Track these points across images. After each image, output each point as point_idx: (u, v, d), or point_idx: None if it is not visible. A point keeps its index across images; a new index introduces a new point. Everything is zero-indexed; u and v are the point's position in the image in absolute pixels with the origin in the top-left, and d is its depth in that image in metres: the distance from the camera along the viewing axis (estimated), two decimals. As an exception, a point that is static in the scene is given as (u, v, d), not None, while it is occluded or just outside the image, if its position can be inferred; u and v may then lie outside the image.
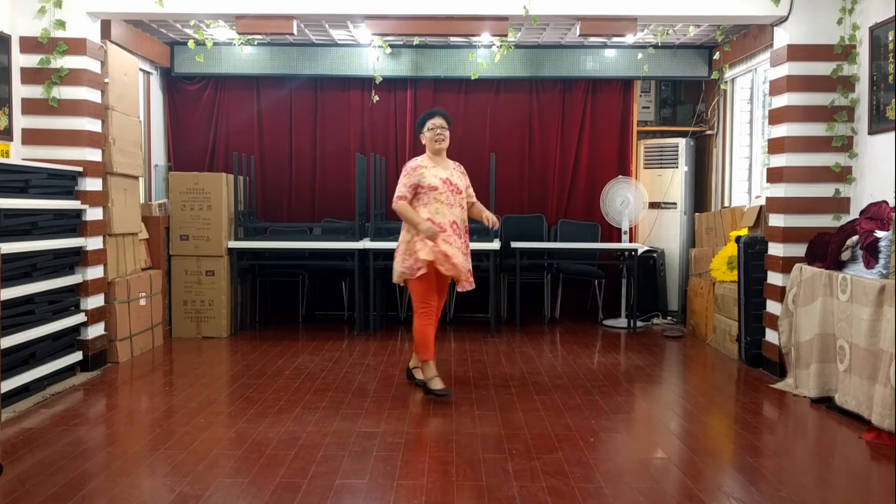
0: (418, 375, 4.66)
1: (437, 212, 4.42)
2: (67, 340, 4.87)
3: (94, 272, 5.14)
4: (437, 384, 4.45)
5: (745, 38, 5.96)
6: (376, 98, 7.16)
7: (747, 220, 5.71)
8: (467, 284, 4.52)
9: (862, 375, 3.92)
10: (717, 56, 6.49)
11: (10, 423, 3.91)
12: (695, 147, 7.30)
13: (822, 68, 4.95)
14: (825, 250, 4.56)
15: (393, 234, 6.45)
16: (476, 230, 6.64)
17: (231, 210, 6.40)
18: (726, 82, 6.72)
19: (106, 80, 5.26)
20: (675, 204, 7.22)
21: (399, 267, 4.54)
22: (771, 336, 5.14)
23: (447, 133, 4.55)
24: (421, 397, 4.48)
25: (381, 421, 3.98)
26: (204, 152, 7.24)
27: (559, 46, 6.91)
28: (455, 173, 4.58)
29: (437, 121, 4.53)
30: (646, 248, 7.13)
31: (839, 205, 4.99)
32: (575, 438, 3.71)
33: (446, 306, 6.95)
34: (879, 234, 4.06)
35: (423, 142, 4.60)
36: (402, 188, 4.47)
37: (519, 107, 7.32)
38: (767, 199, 5.34)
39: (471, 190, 4.72)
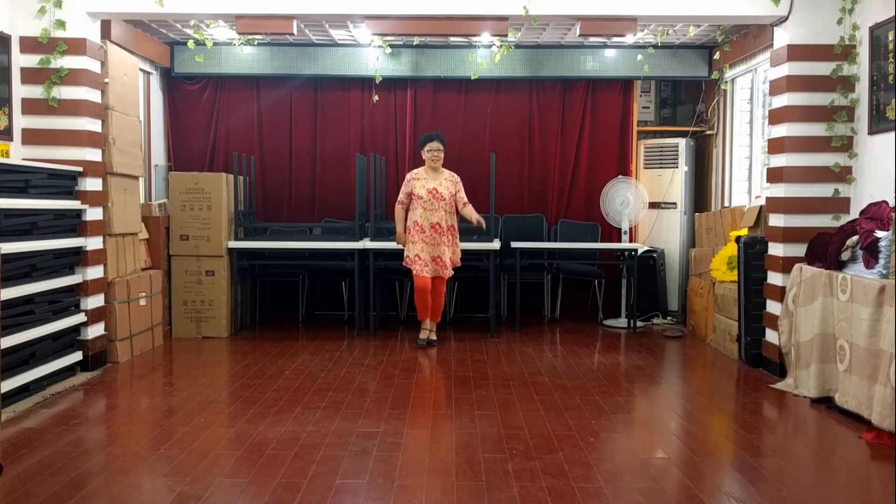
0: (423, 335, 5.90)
1: (422, 216, 5.71)
2: (67, 340, 4.87)
3: (94, 272, 5.14)
4: (422, 334, 5.87)
5: (745, 38, 5.97)
6: (376, 98, 7.16)
7: (747, 220, 5.71)
8: (436, 273, 5.79)
9: (862, 375, 3.92)
10: (717, 56, 6.49)
11: (10, 423, 3.91)
12: (695, 147, 7.30)
13: (822, 68, 4.95)
14: (825, 250, 4.56)
15: (393, 234, 6.46)
16: (476, 230, 6.65)
17: (231, 210, 6.40)
18: (726, 82, 6.72)
19: (106, 80, 5.26)
20: (675, 204, 7.22)
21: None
22: (771, 336, 5.14)
23: (442, 154, 5.81)
24: (421, 397, 4.49)
25: (381, 421, 3.99)
26: (204, 152, 7.24)
27: (559, 46, 6.92)
28: (445, 183, 5.78)
29: (435, 144, 5.77)
30: (646, 248, 7.13)
31: (839, 205, 4.99)
32: (575, 438, 3.71)
33: (446, 308, 6.96)
34: (879, 234, 4.06)
35: (423, 158, 5.80)
36: (400, 194, 5.85)
37: (519, 107, 7.32)
38: (767, 199, 5.34)
39: (461, 194, 5.86)
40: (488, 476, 3.21)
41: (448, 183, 5.79)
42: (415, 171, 5.87)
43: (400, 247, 5.90)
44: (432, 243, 5.73)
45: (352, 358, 5.49)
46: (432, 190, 5.72)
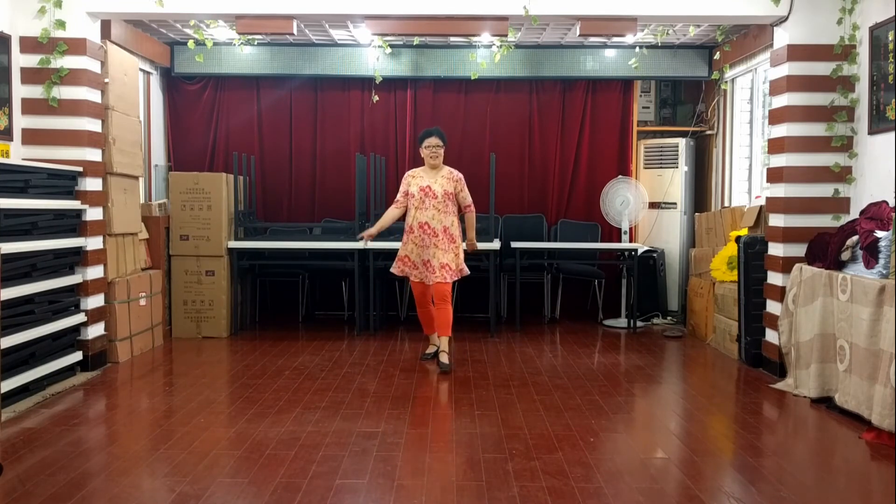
0: (443, 358, 5.23)
1: (412, 216, 5.29)
2: (67, 340, 4.87)
3: (94, 272, 5.14)
4: (429, 348, 5.48)
5: (745, 38, 5.97)
6: (376, 98, 7.16)
7: (747, 220, 5.71)
8: (437, 277, 5.19)
9: (862, 375, 3.92)
10: (717, 56, 6.50)
11: (10, 423, 3.91)
12: (695, 147, 7.30)
13: (822, 68, 4.95)
14: (825, 250, 4.56)
15: (393, 234, 6.46)
16: (476, 230, 6.65)
17: (231, 210, 6.40)
18: (726, 82, 6.72)
19: (106, 80, 5.26)
20: (675, 204, 7.22)
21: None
22: (771, 336, 5.14)
23: (440, 151, 5.30)
24: (421, 397, 4.48)
25: (381, 421, 3.98)
26: (204, 152, 7.24)
27: (559, 46, 6.92)
28: (440, 181, 5.29)
29: (433, 140, 5.29)
30: (646, 248, 7.13)
31: (839, 205, 4.99)
32: (575, 438, 3.71)
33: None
34: (879, 234, 4.06)
35: (422, 155, 5.35)
36: (398, 194, 5.39)
37: (519, 107, 7.32)
38: (767, 199, 5.34)
39: (462, 194, 5.37)
40: (488, 476, 3.21)
41: (444, 181, 5.27)
42: (414, 169, 5.45)
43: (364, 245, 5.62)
44: (421, 245, 5.22)
45: (352, 358, 5.49)
46: (425, 188, 5.24)
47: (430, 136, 5.29)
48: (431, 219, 5.22)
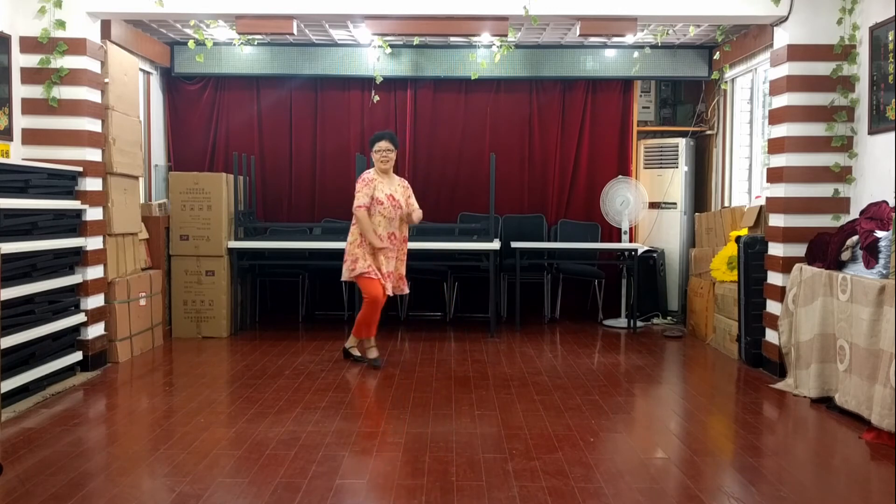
0: (354, 353, 5.40)
1: (380, 224, 5.12)
2: (67, 340, 4.87)
3: (94, 272, 5.14)
4: (373, 353, 5.31)
5: (745, 38, 5.96)
6: (376, 98, 7.16)
7: (747, 220, 5.72)
8: (398, 291, 5.29)
9: (862, 375, 3.92)
10: (717, 56, 6.49)
11: (10, 423, 3.91)
12: (695, 147, 7.30)
13: (822, 68, 4.95)
14: (825, 250, 4.56)
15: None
16: (475, 230, 6.66)
17: (231, 210, 6.40)
18: (726, 82, 6.72)
19: (106, 80, 5.26)
20: (675, 204, 7.22)
21: (344, 268, 5.27)
22: (771, 336, 5.14)
23: (391, 155, 5.19)
24: (421, 396, 4.48)
25: (381, 421, 3.99)
26: (204, 152, 7.24)
27: (559, 46, 6.91)
28: (399, 189, 5.23)
29: (383, 144, 5.17)
30: (646, 248, 7.13)
31: (839, 205, 4.99)
32: (575, 438, 3.71)
33: (446, 308, 6.98)
34: (879, 234, 4.06)
35: (373, 159, 5.23)
36: (363, 197, 5.10)
37: (519, 107, 7.32)
38: (767, 199, 5.34)
39: (411, 200, 5.30)
40: (488, 476, 3.21)
41: (402, 189, 5.24)
42: (369, 171, 5.23)
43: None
44: (391, 256, 5.19)
45: (352, 358, 5.49)
46: (390, 196, 5.13)
47: (382, 139, 5.18)
48: (398, 229, 5.22)
